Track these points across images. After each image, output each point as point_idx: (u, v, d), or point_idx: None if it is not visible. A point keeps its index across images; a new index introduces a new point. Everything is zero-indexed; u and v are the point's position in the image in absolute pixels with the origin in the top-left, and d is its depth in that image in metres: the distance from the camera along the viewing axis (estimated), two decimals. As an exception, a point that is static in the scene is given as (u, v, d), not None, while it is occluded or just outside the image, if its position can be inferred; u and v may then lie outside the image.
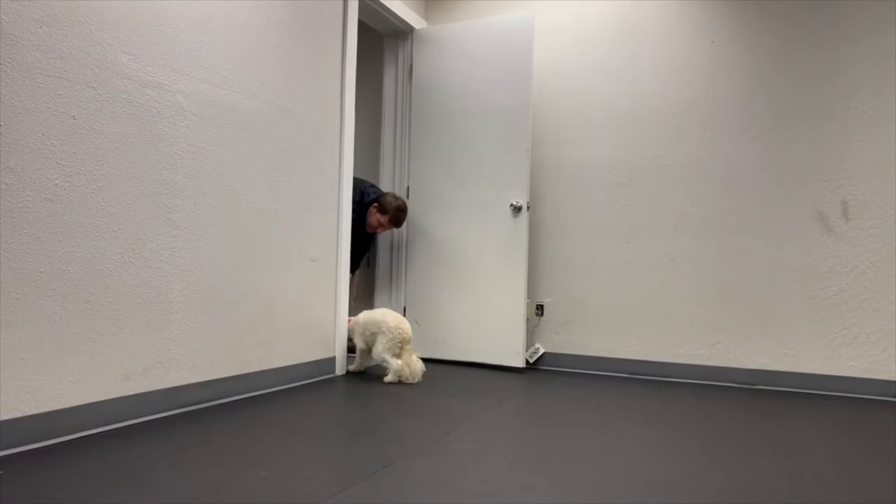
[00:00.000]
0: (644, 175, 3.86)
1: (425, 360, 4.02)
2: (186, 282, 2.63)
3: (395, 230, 4.19)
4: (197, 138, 2.66)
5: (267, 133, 3.03)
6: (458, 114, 4.05)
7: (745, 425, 2.65)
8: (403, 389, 3.19)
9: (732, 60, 3.68)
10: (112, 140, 2.32)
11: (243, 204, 2.90)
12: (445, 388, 3.24)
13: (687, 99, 3.77)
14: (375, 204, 3.99)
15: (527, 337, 3.99)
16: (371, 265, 4.42)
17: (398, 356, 3.36)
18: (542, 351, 4.06)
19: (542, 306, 4.09)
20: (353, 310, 3.94)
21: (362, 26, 4.34)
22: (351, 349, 3.73)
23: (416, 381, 3.37)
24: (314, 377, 3.37)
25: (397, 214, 3.98)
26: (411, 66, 4.23)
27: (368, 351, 3.49)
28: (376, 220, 3.99)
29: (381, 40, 4.44)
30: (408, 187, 4.23)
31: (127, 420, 2.39)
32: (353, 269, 4.06)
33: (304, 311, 3.29)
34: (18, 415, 2.05)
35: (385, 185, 4.31)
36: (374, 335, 3.42)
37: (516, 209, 3.86)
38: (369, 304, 4.34)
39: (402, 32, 4.27)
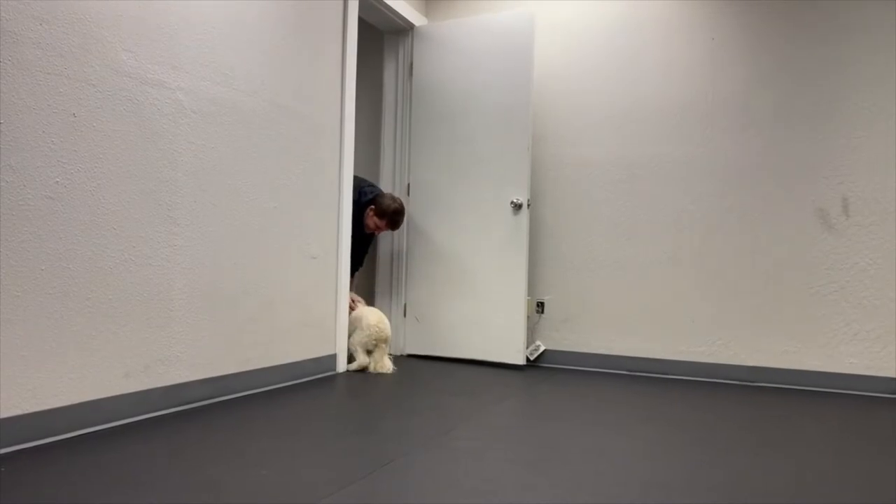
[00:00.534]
0: (644, 173, 3.86)
1: (426, 358, 4.01)
2: (187, 279, 2.63)
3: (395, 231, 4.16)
4: (197, 136, 2.66)
5: (267, 131, 3.02)
6: (459, 111, 4.05)
7: (745, 423, 2.66)
8: (404, 388, 3.19)
9: (733, 59, 3.68)
10: (112, 138, 2.31)
11: (244, 202, 2.90)
12: (446, 386, 3.25)
13: (687, 97, 3.77)
14: (372, 206, 3.89)
15: (527, 334, 3.99)
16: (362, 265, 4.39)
17: (370, 353, 3.62)
18: (542, 348, 4.06)
19: (542, 303, 4.09)
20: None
21: (362, 23, 4.33)
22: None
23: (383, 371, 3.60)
24: (315, 374, 3.38)
25: (394, 218, 3.89)
26: (411, 64, 4.23)
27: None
28: (373, 223, 3.91)
29: (381, 37, 4.44)
30: (408, 185, 4.23)
31: (127, 418, 2.39)
32: (353, 270, 4.02)
33: (304, 309, 3.30)
34: (19, 412, 2.05)
35: (385, 183, 4.30)
36: (355, 330, 3.66)
37: (517, 207, 3.86)
38: (369, 302, 4.34)
39: (402, 30, 4.27)
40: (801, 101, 3.53)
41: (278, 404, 2.73)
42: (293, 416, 2.53)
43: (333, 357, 3.52)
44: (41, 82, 2.08)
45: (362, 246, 4.03)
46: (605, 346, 3.93)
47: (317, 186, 3.37)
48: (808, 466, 2.08)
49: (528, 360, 4.00)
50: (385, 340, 3.63)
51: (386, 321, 3.69)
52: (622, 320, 3.89)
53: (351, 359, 3.65)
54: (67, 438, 2.15)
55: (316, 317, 3.39)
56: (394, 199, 3.91)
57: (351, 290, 3.89)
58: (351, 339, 3.65)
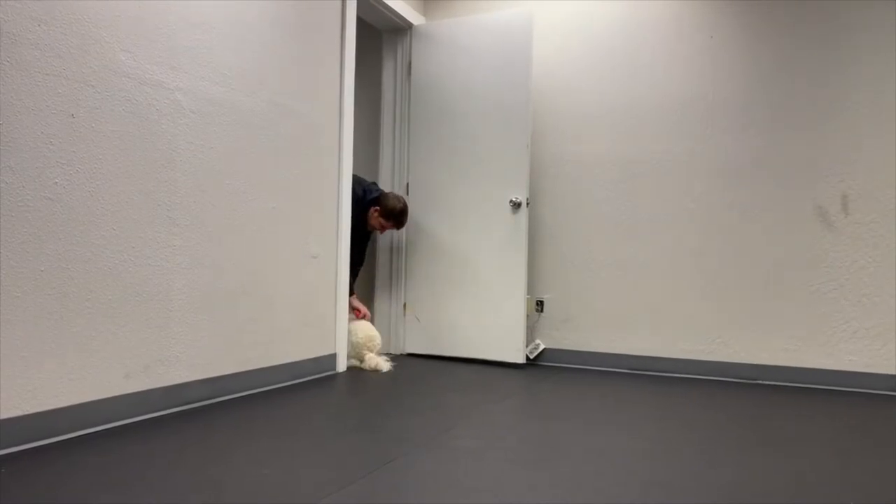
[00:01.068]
0: (644, 171, 3.86)
1: (426, 357, 4.01)
2: (186, 279, 2.63)
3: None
4: (196, 136, 2.66)
5: (266, 130, 3.02)
6: (458, 110, 4.05)
7: (745, 420, 2.66)
8: (403, 387, 3.19)
9: (733, 57, 3.68)
10: (111, 138, 2.31)
11: (243, 201, 2.90)
12: (446, 385, 3.25)
13: (687, 95, 3.77)
14: (377, 207, 3.87)
15: (527, 333, 3.99)
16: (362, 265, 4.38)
17: (361, 359, 3.71)
18: (542, 347, 4.06)
19: (542, 302, 4.09)
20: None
21: (361, 23, 4.33)
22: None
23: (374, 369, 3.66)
24: (315, 374, 3.38)
25: (400, 218, 3.89)
26: (410, 63, 4.23)
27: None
28: (378, 223, 3.90)
29: (379, 37, 4.43)
30: (407, 184, 4.23)
31: (127, 418, 2.39)
32: (355, 267, 4.01)
33: (304, 309, 3.30)
34: (19, 413, 2.05)
35: (384, 182, 4.30)
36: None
37: (516, 205, 3.86)
38: (368, 302, 4.34)
39: (400, 29, 4.26)
40: (801, 99, 3.53)
41: (278, 404, 2.73)
42: (293, 416, 2.53)
43: (333, 356, 3.52)
44: (40, 83, 2.08)
45: (363, 243, 4.03)
46: (604, 345, 3.93)
47: (316, 186, 3.37)
48: (809, 464, 2.08)
49: (527, 358, 4.00)
50: (372, 349, 3.73)
51: (373, 337, 3.75)
52: (622, 319, 3.89)
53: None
54: (68, 439, 2.15)
55: (315, 316, 3.39)
56: (398, 198, 3.90)
57: (352, 285, 3.90)
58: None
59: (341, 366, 3.57)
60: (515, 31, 3.87)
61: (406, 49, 4.27)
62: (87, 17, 2.21)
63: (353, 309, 3.85)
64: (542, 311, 4.08)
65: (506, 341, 3.88)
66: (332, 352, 3.51)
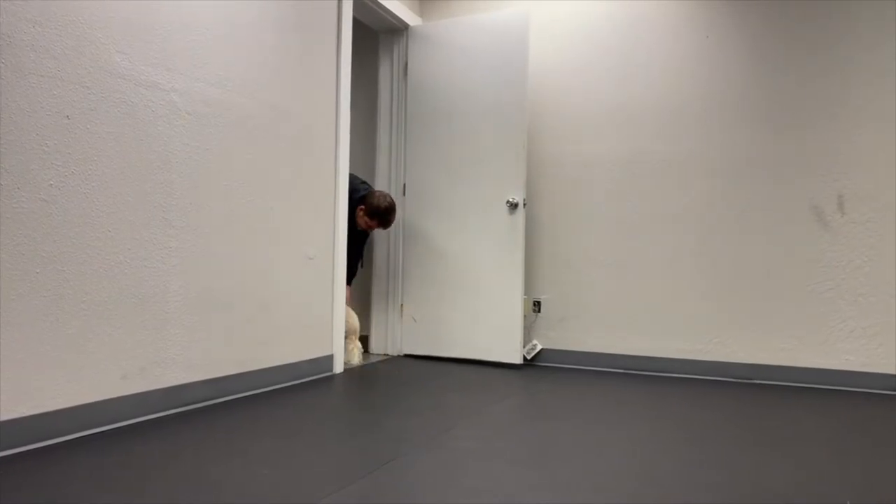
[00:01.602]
0: (641, 170, 3.86)
1: (423, 358, 4.00)
2: (182, 281, 2.62)
3: (388, 229, 4.16)
4: (192, 137, 2.66)
5: (262, 131, 3.02)
6: (454, 110, 4.05)
7: (743, 420, 2.66)
8: (402, 388, 3.19)
9: (729, 55, 3.68)
10: (106, 140, 2.31)
11: (239, 203, 2.90)
12: (444, 385, 3.24)
13: (683, 94, 3.77)
14: (362, 206, 3.86)
15: (524, 333, 3.99)
16: (363, 265, 4.39)
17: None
18: (539, 347, 4.06)
19: (539, 303, 4.09)
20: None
21: (357, 23, 4.33)
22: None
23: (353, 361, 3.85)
24: (312, 375, 3.37)
25: (385, 216, 3.84)
26: (406, 64, 4.23)
27: None
28: (364, 222, 3.89)
29: (376, 37, 4.44)
30: (404, 185, 4.23)
31: (125, 420, 2.38)
32: (352, 267, 4.02)
33: (301, 310, 3.29)
34: (16, 416, 2.04)
35: (381, 183, 4.30)
36: None
37: (513, 206, 3.86)
38: (366, 304, 4.33)
39: (397, 29, 4.26)
40: (798, 97, 3.54)
41: (276, 405, 2.72)
42: (291, 417, 2.52)
43: (330, 358, 3.51)
44: (35, 85, 2.07)
45: (358, 243, 4.04)
46: (601, 345, 3.93)
47: (312, 187, 3.36)
48: (806, 464, 2.08)
49: (525, 359, 4.00)
50: (352, 331, 3.87)
51: (352, 318, 3.88)
52: (619, 319, 3.89)
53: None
54: (65, 441, 2.14)
55: (312, 317, 3.38)
56: (384, 196, 3.86)
57: (349, 286, 3.92)
58: None
59: (338, 367, 3.56)
60: (512, 31, 3.88)
61: (402, 50, 4.27)
62: (81, 19, 2.21)
63: None
64: (539, 311, 4.08)
65: (503, 342, 3.88)
66: (329, 353, 3.51)
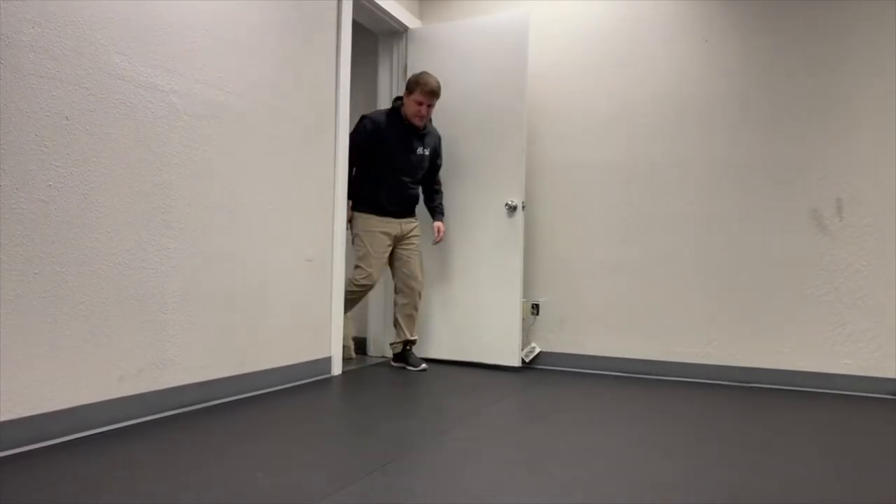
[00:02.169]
0: (640, 173, 3.86)
1: (421, 360, 4.01)
2: (181, 282, 2.62)
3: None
4: (191, 138, 2.66)
5: (261, 133, 3.02)
6: (453, 113, 4.05)
7: (740, 424, 2.66)
8: (399, 390, 3.19)
9: (728, 59, 3.69)
10: (105, 141, 2.31)
11: (238, 204, 2.90)
12: (442, 387, 3.24)
13: (682, 98, 3.78)
14: (401, 96, 3.68)
15: (522, 336, 3.99)
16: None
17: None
18: (537, 350, 4.06)
19: (537, 305, 4.09)
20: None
21: (357, 26, 4.34)
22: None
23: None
24: (310, 377, 3.37)
25: (437, 90, 3.59)
26: (406, 66, 4.23)
27: None
28: (414, 109, 3.60)
29: (375, 40, 4.44)
30: (403, 187, 4.23)
31: (123, 421, 2.38)
32: (403, 213, 3.77)
33: (299, 312, 3.29)
34: (13, 417, 2.04)
35: (380, 185, 4.30)
36: None
37: (512, 208, 3.86)
38: (364, 305, 4.33)
39: (396, 32, 4.27)
40: (797, 101, 3.55)
41: (274, 407, 2.72)
42: (289, 419, 2.52)
43: (328, 360, 3.51)
44: (34, 85, 2.08)
45: (407, 164, 3.69)
46: (599, 348, 3.93)
47: (311, 189, 3.36)
48: (803, 468, 2.08)
49: (523, 361, 4.00)
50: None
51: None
52: (617, 321, 3.89)
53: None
54: (63, 442, 2.14)
55: (311, 319, 3.38)
56: (416, 74, 3.65)
57: (436, 209, 3.90)
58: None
59: (336, 369, 3.56)
60: (511, 34, 3.88)
61: (402, 52, 4.27)
62: (81, 20, 2.21)
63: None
64: (537, 314, 4.08)
65: (502, 344, 3.88)
66: (327, 355, 3.51)
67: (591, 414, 2.76)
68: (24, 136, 2.05)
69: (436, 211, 3.90)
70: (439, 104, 3.98)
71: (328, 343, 3.52)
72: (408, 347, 3.84)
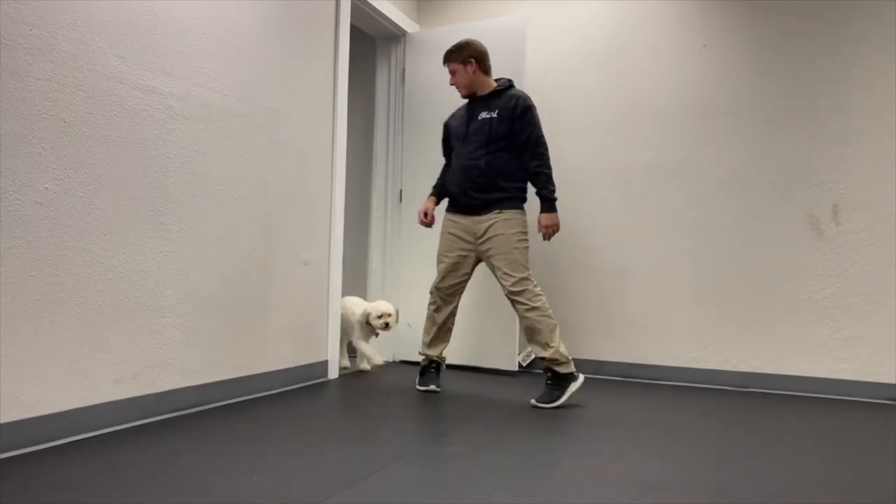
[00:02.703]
0: (637, 177, 3.87)
1: (418, 364, 4.00)
2: (177, 286, 2.62)
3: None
4: (188, 142, 2.66)
5: (259, 136, 3.02)
6: (451, 117, 4.05)
7: (737, 428, 2.66)
8: (395, 394, 3.18)
9: (726, 64, 3.70)
10: (103, 143, 2.31)
11: (235, 207, 2.89)
12: (438, 392, 3.24)
13: (680, 102, 3.79)
14: (461, 62, 3.18)
15: (519, 340, 3.99)
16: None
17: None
18: (534, 355, 4.04)
19: (535, 309, 4.08)
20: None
21: (355, 30, 4.34)
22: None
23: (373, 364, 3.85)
24: (307, 381, 3.36)
25: (476, 47, 3.21)
26: (404, 70, 4.24)
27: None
28: (464, 75, 3.19)
29: (373, 44, 4.44)
30: (400, 191, 4.23)
31: (118, 424, 2.37)
32: (462, 206, 3.23)
33: (295, 315, 3.29)
34: (9, 419, 2.03)
35: (378, 189, 4.30)
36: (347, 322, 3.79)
37: (509, 212, 3.85)
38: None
39: (394, 36, 4.28)
40: (794, 106, 3.56)
41: (270, 411, 2.72)
42: (284, 423, 2.52)
43: (325, 364, 3.51)
44: (31, 88, 2.08)
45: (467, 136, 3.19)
46: (595, 352, 3.93)
47: (308, 192, 3.36)
48: (799, 472, 2.08)
49: (520, 366, 4.00)
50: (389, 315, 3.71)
51: (372, 307, 3.71)
52: (614, 326, 3.89)
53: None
54: (58, 445, 2.13)
55: (307, 323, 3.38)
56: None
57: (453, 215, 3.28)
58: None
59: (333, 373, 3.55)
60: (509, 38, 3.89)
61: (400, 56, 4.28)
62: (79, 22, 2.21)
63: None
64: (534, 318, 4.07)
65: (498, 349, 3.88)
66: (323, 358, 3.50)
67: (588, 419, 2.75)
68: (21, 138, 2.05)
69: (540, 199, 3.21)
70: (438, 107, 3.98)
71: (325, 347, 3.52)
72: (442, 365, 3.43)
